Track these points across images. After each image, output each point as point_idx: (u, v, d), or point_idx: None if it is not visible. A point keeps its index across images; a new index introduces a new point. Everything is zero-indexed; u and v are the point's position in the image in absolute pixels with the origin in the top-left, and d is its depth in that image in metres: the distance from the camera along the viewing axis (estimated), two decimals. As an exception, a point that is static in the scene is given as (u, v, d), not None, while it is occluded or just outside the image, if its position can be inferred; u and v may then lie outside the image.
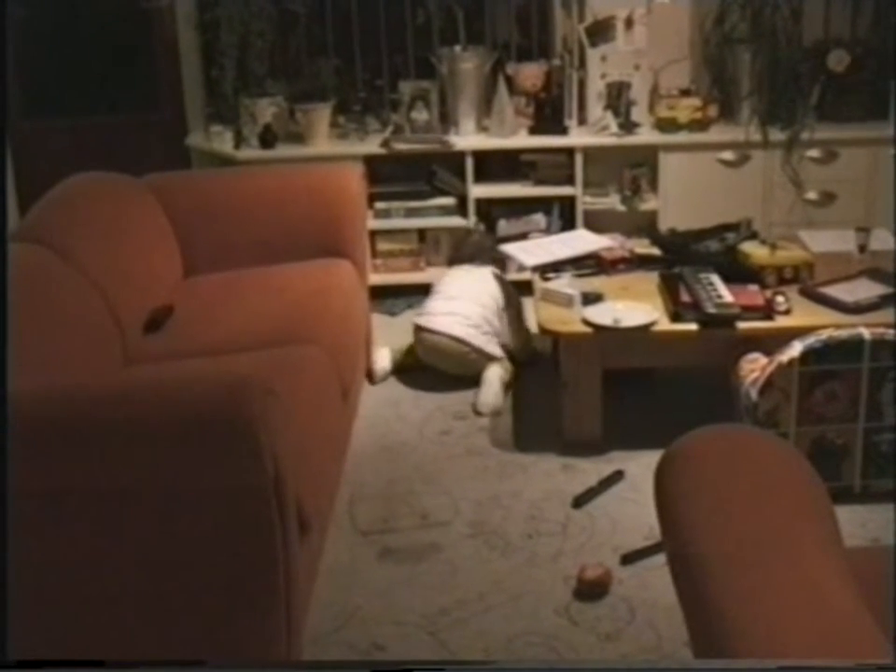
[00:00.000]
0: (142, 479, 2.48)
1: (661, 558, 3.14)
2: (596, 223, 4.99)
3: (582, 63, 5.13)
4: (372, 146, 5.14)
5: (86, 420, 2.47)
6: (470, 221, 5.14)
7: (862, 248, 4.04)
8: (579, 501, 3.49)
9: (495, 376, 4.15)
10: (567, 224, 5.14)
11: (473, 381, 4.19)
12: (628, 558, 3.19)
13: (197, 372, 3.06)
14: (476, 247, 4.67)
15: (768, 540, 1.78)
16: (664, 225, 4.91)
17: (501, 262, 4.62)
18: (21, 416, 2.45)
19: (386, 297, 5.19)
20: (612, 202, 5.17)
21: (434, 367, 4.33)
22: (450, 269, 4.67)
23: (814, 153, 4.98)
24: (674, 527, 2.00)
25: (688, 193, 5.03)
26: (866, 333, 3.30)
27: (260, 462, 2.43)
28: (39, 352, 3.05)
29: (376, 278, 5.10)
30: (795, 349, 3.31)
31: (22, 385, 2.69)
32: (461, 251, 4.71)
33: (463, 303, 4.31)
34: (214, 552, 2.57)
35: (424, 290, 5.18)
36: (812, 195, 5.01)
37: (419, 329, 4.36)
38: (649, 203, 5.11)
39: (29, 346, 3.00)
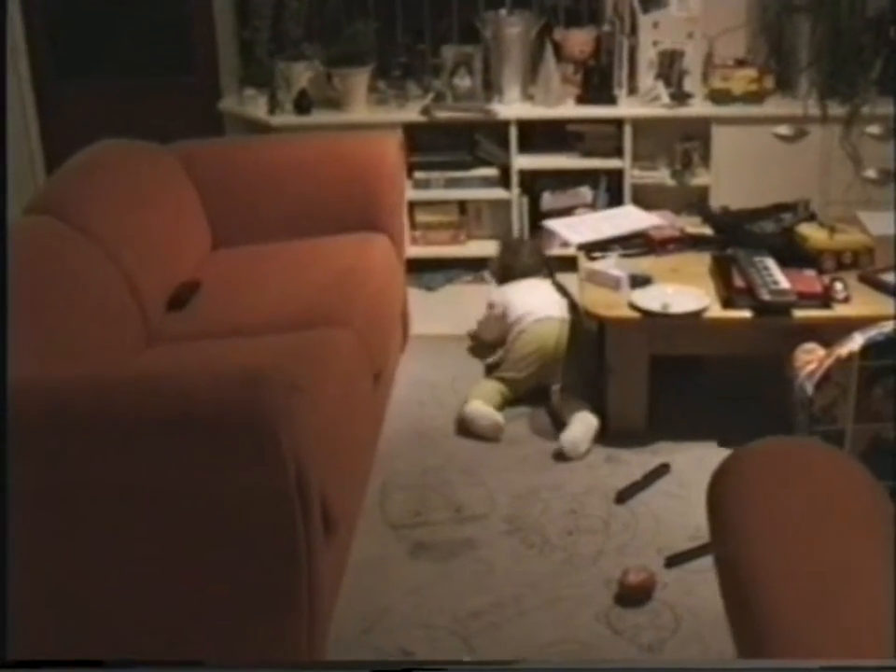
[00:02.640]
0: (156, 476, 2.34)
1: (707, 561, 2.97)
2: (645, 198, 4.81)
3: (633, 30, 4.90)
4: (412, 113, 4.95)
5: (97, 413, 2.32)
6: (514, 193, 4.95)
7: (925, 232, 3.84)
8: (622, 496, 3.31)
9: (592, 419, 3.60)
10: (614, 198, 4.95)
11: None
12: (673, 560, 3.02)
13: (218, 362, 2.91)
14: (528, 265, 4.27)
15: (826, 555, 1.69)
16: (715, 202, 4.71)
17: (554, 278, 4.28)
18: (29, 407, 2.31)
19: (424, 271, 5.01)
20: (662, 176, 4.96)
21: (530, 381, 3.85)
22: (502, 286, 4.22)
23: (874, 129, 4.74)
24: (727, 536, 1.91)
25: (741, 169, 4.81)
26: (932, 327, 3.10)
27: (282, 464, 2.27)
28: (55, 332, 2.90)
29: (414, 250, 4.94)
30: (856, 342, 3.10)
31: (36, 370, 2.56)
32: (513, 267, 4.26)
33: (555, 302, 4.01)
34: (231, 554, 2.43)
35: (464, 264, 5.05)
36: (871, 173, 4.77)
37: (524, 328, 3.89)
38: (700, 179, 4.90)
39: (44, 326, 2.87)
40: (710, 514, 2.02)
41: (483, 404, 3.71)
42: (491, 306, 4.16)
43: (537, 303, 3.97)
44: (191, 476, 2.32)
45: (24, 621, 2.37)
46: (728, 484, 2.04)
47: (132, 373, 2.57)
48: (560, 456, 3.52)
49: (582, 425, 3.58)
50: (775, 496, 1.88)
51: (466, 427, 3.69)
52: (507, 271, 4.28)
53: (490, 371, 3.99)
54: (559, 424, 3.65)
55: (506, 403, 3.81)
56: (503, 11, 5.05)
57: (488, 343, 4.15)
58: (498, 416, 3.68)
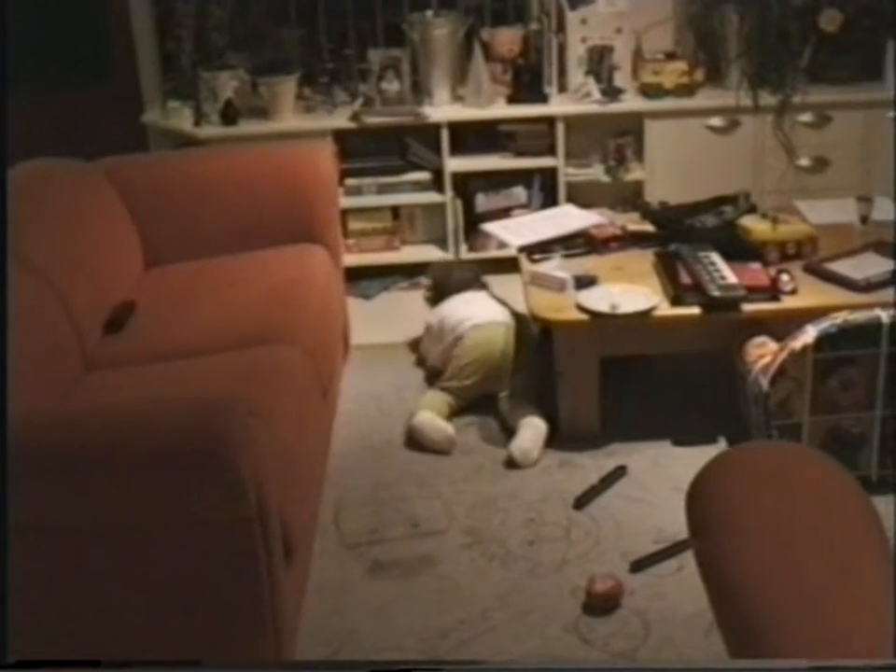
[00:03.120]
0: (112, 510, 2.24)
1: (673, 563, 2.95)
2: (580, 196, 4.78)
3: (561, 27, 4.86)
4: (341, 119, 4.86)
5: (43, 449, 2.22)
6: (447, 196, 4.88)
7: (865, 219, 3.86)
8: (580, 502, 3.26)
9: (540, 423, 3.54)
10: (549, 197, 4.91)
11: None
12: (638, 565, 2.97)
13: (169, 388, 2.81)
14: (462, 280, 4.23)
15: (812, 555, 1.67)
16: (651, 197, 4.69)
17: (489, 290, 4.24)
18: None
19: (360, 279, 4.92)
20: (596, 172, 4.92)
21: (476, 389, 3.77)
22: (439, 305, 4.15)
23: (806, 117, 4.74)
24: (711, 537, 1.83)
25: (675, 162, 4.79)
26: (884, 316, 3.10)
27: (242, 492, 2.20)
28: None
29: (349, 259, 4.82)
30: (809, 335, 3.09)
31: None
32: (447, 286, 4.22)
33: (496, 309, 3.95)
34: (192, 585, 2.35)
35: (399, 271, 4.98)
36: (805, 161, 4.78)
37: (462, 334, 3.82)
38: (634, 174, 4.87)
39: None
40: (691, 518, 1.97)
41: (433, 415, 3.63)
42: (428, 329, 4.10)
43: (474, 311, 3.92)
44: (150, 508, 2.23)
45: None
46: (709, 489, 1.99)
47: (80, 406, 2.47)
48: (512, 464, 3.47)
49: (531, 431, 3.53)
50: (758, 497, 1.85)
51: (416, 440, 3.61)
52: (441, 290, 4.24)
53: (432, 381, 3.92)
54: (508, 431, 3.60)
55: (453, 413, 3.73)
56: (429, 13, 4.98)
57: (434, 369, 4.00)
58: (450, 428, 3.61)
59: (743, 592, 1.64)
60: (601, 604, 2.82)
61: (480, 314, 3.88)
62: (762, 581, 1.64)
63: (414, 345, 4.26)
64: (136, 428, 2.20)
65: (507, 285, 4.18)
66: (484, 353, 3.76)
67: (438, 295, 4.24)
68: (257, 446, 2.22)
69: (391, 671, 2.38)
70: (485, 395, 3.76)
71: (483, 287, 4.23)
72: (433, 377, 3.95)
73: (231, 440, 2.14)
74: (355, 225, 5.00)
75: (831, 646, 1.48)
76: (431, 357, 4.06)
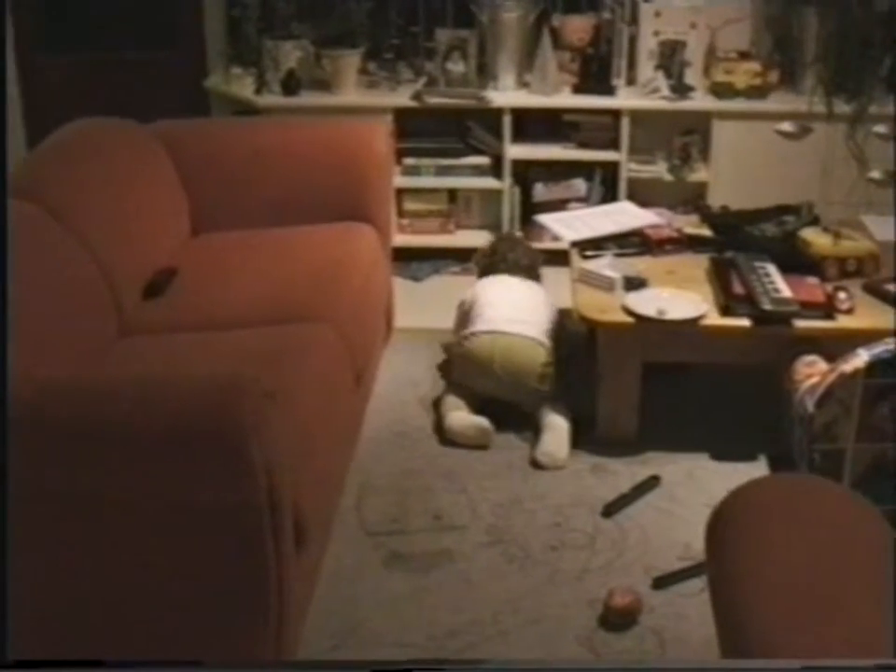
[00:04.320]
0: (116, 487, 2.18)
1: (697, 584, 2.85)
2: (640, 192, 4.68)
3: (634, 19, 4.75)
4: (403, 97, 4.79)
5: (60, 418, 2.18)
6: (505, 183, 4.80)
7: (934, 238, 3.70)
8: (609, 509, 3.17)
9: (562, 422, 3.47)
10: (609, 192, 4.81)
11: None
12: (661, 582, 2.88)
13: (189, 364, 2.76)
14: (517, 263, 3.96)
15: (825, 581, 1.67)
16: (713, 199, 4.57)
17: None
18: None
19: (411, 260, 4.85)
20: (659, 170, 4.81)
21: (481, 393, 3.60)
22: (482, 280, 3.94)
23: (881, 128, 4.59)
24: (724, 569, 1.83)
25: (741, 165, 4.67)
26: (941, 344, 2.96)
27: (252, 476, 2.14)
28: (22, 322, 2.74)
29: (401, 239, 4.79)
30: (861, 358, 2.96)
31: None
32: (503, 261, 3.97)
33: (530, 313, 3.69)
34: (196, 568, 2.28)
35: (452, 254, 4.90)
36: (876, 174, 4.62)
37: (468, 336, 3.61)
38: (698, 174, 4.75)
39: (10, 316, 2.70)
40: (708, 543, 1.92)
41: (464, 413, 3.52)
42: (460, 304, 3.89)
43: (505, 311, 3.65)
44: (156, 486, 2.18)
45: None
46: (728, 517, 1.92)
47: (99, 377, 2.43)
48: (540, 465, 3.38)
49: (554, 433, 3.43)
50: (774, 527, 1.81)
51: (453, 440, 3.50)
52: (493, 263, 4.00)
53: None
54: (536, 428, 3.51)
55: (476, 412, 3.57)
56: (501, -5, 4.88)
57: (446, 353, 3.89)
58: (485, 422, 3.49)
59: (745, 614, 1.63)
60: (618, 619, 2.74)
61: (508, 316, 3.63)
62: (764, 604, 1.62)
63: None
64: (148, 404, 2.14)
65: (559, 279, 4.06)
66: (485, 364, 3.55)
67: (487, 268, 4.01)
68: (270, 429, 2.15)
69: (391, 671, 2.32)
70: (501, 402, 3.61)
71: (537, 278, 4.02)
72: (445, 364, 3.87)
73: (243, 422, 2.08)
74: (410, 205, 4.93)
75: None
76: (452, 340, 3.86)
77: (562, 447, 3.40)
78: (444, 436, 3.53)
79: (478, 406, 3.58)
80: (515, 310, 3.67)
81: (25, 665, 1.94)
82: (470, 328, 3.63)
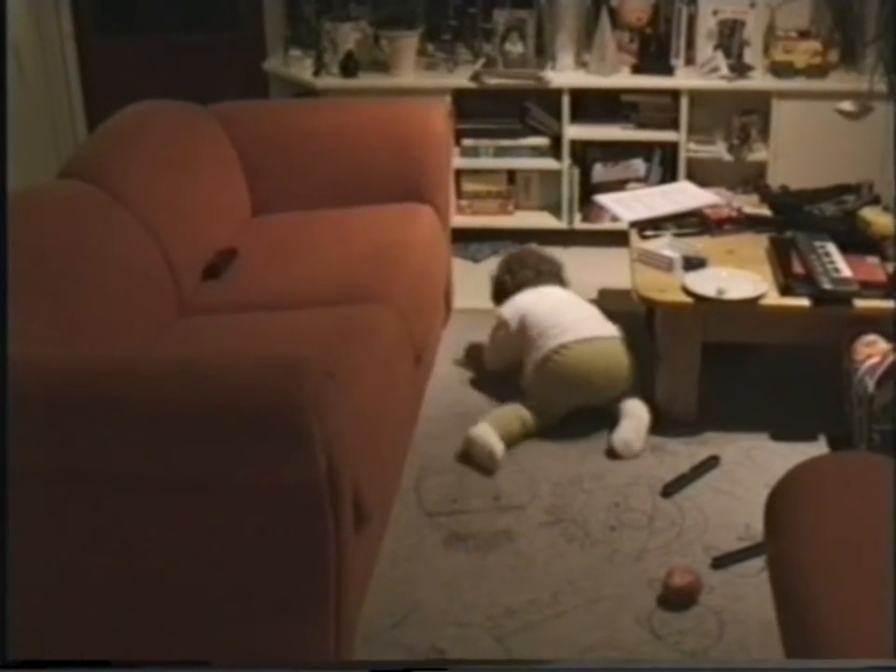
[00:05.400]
0: (178, 464, 2.21)
1: (756, 564, 2.85)
2: (699, 173, 4.66)
3: (693, -2, 4.72)
4: (462, 78, 4.79)
5: (121, 396, 2.20)
6: (564, 164, 4.80)
7: None
8: (668, 490, 3.17)
9: (643, 411, 3.42)
10: (668, 172, 4.79)
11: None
12: (720, 562, 2.88)
13: (250, 344, 2.78)
14: (552, 268, 3.81)
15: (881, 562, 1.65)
16: (773, 179, 4.53)
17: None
18: (50, 386, 2.20)
19: (470, 241, 4.86)
20: (718, 150, 4.78)
21: (566, 406, 3.45)
22: (512, 299, 3.69)
23: (943, 107, 4.54)
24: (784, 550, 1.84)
25: (801, 145, 4.63)
26: None
27: (313, 456, 2.15)
28: (85, 301, 2.79)
29: (460, 220, 4.80)
30: (923, 338, 2.95)
31: (62, 345, 2.46)
32: (524, 277, 3.74)
33: (592, 313, 3.58)
34: (255, 547, 2.31)
35: (510, 235, 4.90)
36: (938, 153, 4.58)
37: (558, 350, 3.40)
38: (758, 154, 4.72)
39: (74, 295, 2.76)
40: (767, 522, 1.92)
41: (488, 429, 3.30)
42: (501, 326, 3.66)
43: (574, 317, 3.51)
44: (215, 466, 2.20)
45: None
46: (787, 496, 1.92)
47: (160, 355, 2.46)
48: (611, 452, 3.36)
49: (634, 421, 3.39)
50: (830, 506, 1.82)
51: (465, 448, 3.35)
52: (521, 280, 3.75)
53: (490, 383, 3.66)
54: (602, 411, 3.49)
55: (529, 434, 3.40)
56: (559, -25, 4.86)
57: (498, 372, 3.71)
58: (497, 446, 3.27)
59: (805, 593, 1.65)
60: (677, 599, 2.74)
61: (584, 321, 3.52)
62: (823, 584, 1.64)
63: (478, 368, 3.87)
64: (209, 384, 2.16)
65: (618, 259, 4.05)
66: (585, 375, 3.42)
67: (514, 288, 3.74)
68: (331, 409, 2.17)
69: (391, 671, 2.35)
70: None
71: (563, 282, 3.81)
72: (496, 380, 3.69)
73: (304, 402, 2.09)
74: (469, 186, 4.95)
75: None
76: (499, 361, 3.72)
77: (640, 437, 3.36)
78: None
79: (542, 428, 3.42)
80: (583, 313, 3.58)
81: (26, 666, 1.95)
82: (551, 343, 3.41)
